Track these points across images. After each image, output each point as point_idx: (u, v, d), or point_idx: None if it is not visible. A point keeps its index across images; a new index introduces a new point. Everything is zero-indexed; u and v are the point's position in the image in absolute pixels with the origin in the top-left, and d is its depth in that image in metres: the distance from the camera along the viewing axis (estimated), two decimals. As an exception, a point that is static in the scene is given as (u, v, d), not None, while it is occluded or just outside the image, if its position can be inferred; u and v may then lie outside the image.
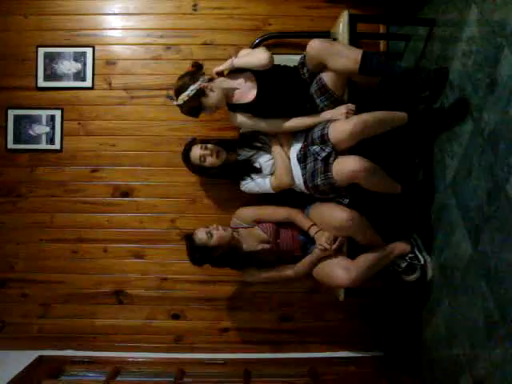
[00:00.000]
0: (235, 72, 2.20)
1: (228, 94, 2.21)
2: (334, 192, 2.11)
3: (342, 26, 2.21)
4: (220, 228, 2.18)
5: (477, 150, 1.78)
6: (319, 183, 2.08)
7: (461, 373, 1.88)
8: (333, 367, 2.53)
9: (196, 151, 2.27)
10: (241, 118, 2.24)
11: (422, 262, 2.14)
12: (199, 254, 2.18)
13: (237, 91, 2.20)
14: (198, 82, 2.12)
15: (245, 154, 2.35)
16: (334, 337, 2.68)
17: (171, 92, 2.21)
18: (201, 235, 2.16)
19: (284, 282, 2.40)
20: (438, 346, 2.10)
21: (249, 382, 2.37)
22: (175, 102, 2.15)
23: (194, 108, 2.15)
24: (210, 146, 2.27)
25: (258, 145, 2.35)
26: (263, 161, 2.31)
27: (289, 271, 2.26)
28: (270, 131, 2.28)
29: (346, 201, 2.12)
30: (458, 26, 1.95)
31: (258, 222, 2.33)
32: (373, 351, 2.66)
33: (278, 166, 2.26)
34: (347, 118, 2.08)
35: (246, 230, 2.31)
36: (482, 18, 1.77)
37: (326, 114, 2.15)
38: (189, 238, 2.20)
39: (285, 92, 2.17)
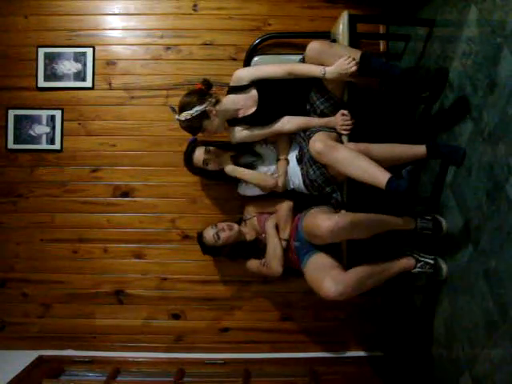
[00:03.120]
0: (240, 90, 2.21)
1: (232, 114, 2.22)
2: (328, 185, 2.13)
3: (342, 27, 2.21)
4: (226, 229, 2.30)
5: (477, 150, 1.78)
6: (313, 175, 2.11)
7: (461, 373, 1.88)
8: (333, 367, 2.53)
9: (200, 154, 2.28)
10: (240, 132, 2.25)
11: (432, 262, 2.01)
12: (211, 253, 2.42)
13: (240, 111, 2.22)
14: (205, 105, 2.11)
15: (246, 159, 2.36)
16: (334, 337, 2.69)
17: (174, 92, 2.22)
18: (208, 237, 2.33)
19: (280, 280, 2.42)
20: (438, 346, 2.10)
21: (249, 382, 2.37)
22: (177, 116, 2.14)
23: (193, 128, 2.15)
24: (212, 149, 2.28)
25: (259, 151, 2.36)
26: (262, 170, 2.33)
27: (265, 268, 2.31)
28: (270, 135, 2.29)
29: (338, 194, 2.15)
30: (457, 26, 1.95)
31: (260, 213, 2.41)
32: (373, 351, 2.66)
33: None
34: (343, 128, 2.12)
35: (250, 221, 2.43)
36: (481, 17, 1.77)
37: (323, 120, 2.17)
38: (199, 239, 2.39)
39: (285, 98, 2.18)
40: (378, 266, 1.98)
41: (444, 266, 1.98)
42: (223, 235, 2.29)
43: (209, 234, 2.32)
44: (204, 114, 2.11)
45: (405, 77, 2.01)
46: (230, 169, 2.29)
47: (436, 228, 2.01)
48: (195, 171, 2.39)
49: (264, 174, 2.29)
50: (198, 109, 2.10)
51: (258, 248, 2.36)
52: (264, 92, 2.17)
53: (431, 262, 2.01)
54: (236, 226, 2.34)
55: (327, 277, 1.92)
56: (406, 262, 2.04)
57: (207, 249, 2.38)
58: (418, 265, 2.02)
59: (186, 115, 2.11)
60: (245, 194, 2.42)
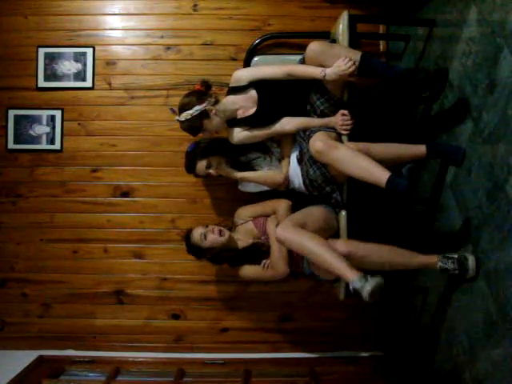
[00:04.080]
0: (239, 91, 2.21)
1: (232, 114, 2.22)
2: (328, 184, 2.13)
3: (341, 27, 2.21)
4: (216, 231, 2.25)
5: (477, 150, 1.78)
6: (313, 174, 2.11)
7: (461, 373, 1.88)
8: (333, 367, 2.54)
9: (202, 168, 2.30)
10: (240, 133, 2.24)
11: (456, 256, 1.82)
12: (193, 252, 2.32)
13: (240, 111, 2.23)
14: (204, 104, 2.12)
15: (249, 156, 2.36)
16: (334, 337, 2.69)
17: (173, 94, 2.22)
18: (195, 236, 2.27)
19: (280, 282, 2.38)
20: (438, 346, 2.10)
21: (249, 382, 2.37)
22: (177, 117, 2.16)
23: (193, 127, 2.15)
24: (213, 162, 2.29)
25: (262, 148, 2.36)
26: (265, 168, 2.33)
27: (269, 270, 2.28)
28: (270, 136, 2.29)
29: (338, 194, 2.15)
30: (457, 26, 1.95)
31: (254, 217, 2.38)
32: (373, 351, 2.66)
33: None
34: (343, 127, 2.11)
35: (243, 226, 2.39)
36: (481, 18, 1.77)
37: (323, 120, 2.17)
38: (187, 234, 2.32)
39: (284, 99, 2.18)
40: (400, 252, 1.96)
41: (471, 262, 1.76)
42: (210, 237, 2.23)
43: (197, 232, 2.27)
44: (204, 114, 2.12)
45: (405, 78, 2.01)
46: (239, 176, 2.32)
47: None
48: (198, 177, 2.44)
49: (272, 172, 2.29)
50: (197, 108, 2.11)
51: (258, 253, 2.32)
52: (264, 93, 2.17)
53: (455, 255, 1.82)
54: (227, 234, 2.28)
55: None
56: (430, 258, 1.91)
57: (192, 248, 2.30)
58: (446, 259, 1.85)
59: (185, 115, 2.12)
60: (246, 190, 2.42)
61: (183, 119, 2.13)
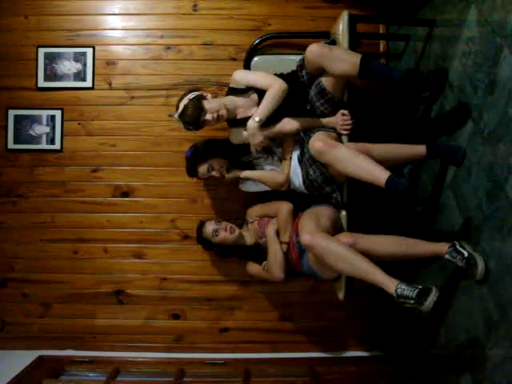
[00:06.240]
0: (240, 92, 2.22)
1: (232, 114, 2.22)
2: (328, 184, 2.13)
3: (341, 27, 2.21)
4: (228, 229, 2.30)
5: (477, 150, 1.78)
6: (312, 174, 2.11)
7: (461, 373, 1.88)
8: (333, 367, 2.54)
9: (204, 172, 2.31)
10: (241, 134, 2.23)
11: (466, 255, 1.75)
12: (203, 244, 2.40)
13: (240, 110, 2.23)
14: (201, 91, 2.19)
15: (251, 155, 2.36)
16: (334, 337, 2.69)
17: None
18: (207, 231, 2.33)
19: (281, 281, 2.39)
20: (438, 346, 2.10)
21: (249, 382, 2.37)
22: (176, 114, 2.15)
23: (194, 113, 2.12)
24: (215, 165, 2.30)
25: (263, 148, 2.35)
26: (265, 167, 2.34)
27: (266, 273, 2.31)
28: (270, 137, 2.29)
29: (338, 194, 2.16)
30: (457, 26, 1.96)
31: (261, 217, 2.40)
32: (373, 351, 2.66)
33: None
34: (343, 128, 2.13)
35: (252, 225, 2.42)
36: (481, 18, 1.77)
37: (323, 121, 2.18)
38: (199, 226, 2.38)
39: (285, 99, 2.17)
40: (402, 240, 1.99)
41: (480, 263, 1.70)
42: (221, 235, 2.30)
43: (209, 227, 2.33)
44: (201, 96, 2.15)
45: (404, 80, 2.00)
46: (242, 175, 2.34)
47: None
48: (201, 179, 2.46)
49: (274, 172, 2.30)
50: (194, 93, 2.15)
51: (260, 253, 2.34)
52: (264, 94, 2.17)
53: (465, 254, 1.75)
54: (237, 231, 2.33)
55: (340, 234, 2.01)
56: (441, 245, 1.86)
57: (202, 240, 2.38)
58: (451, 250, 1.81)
59: (184, 101, 2.13)
60: (246, 189, 2.42)
61: (182, 106, 2.13)
